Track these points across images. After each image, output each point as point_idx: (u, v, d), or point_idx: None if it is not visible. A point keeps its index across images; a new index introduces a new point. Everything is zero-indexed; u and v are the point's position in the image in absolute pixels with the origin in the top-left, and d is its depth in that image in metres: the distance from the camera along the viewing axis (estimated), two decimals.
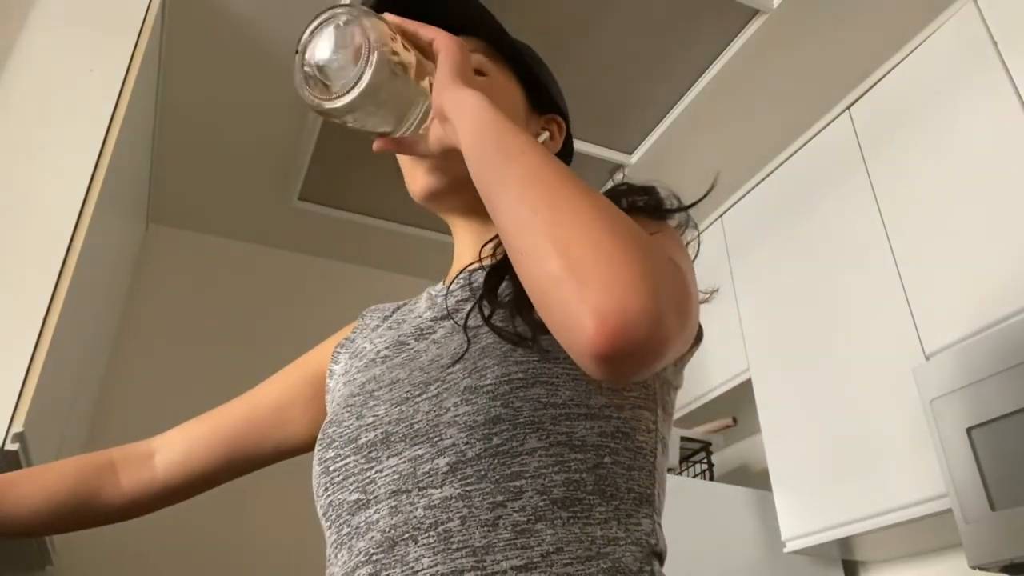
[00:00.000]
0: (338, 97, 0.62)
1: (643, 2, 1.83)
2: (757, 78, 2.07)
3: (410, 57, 0.65)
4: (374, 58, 0.61)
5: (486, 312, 0.65)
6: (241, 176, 2.44)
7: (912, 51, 1.94)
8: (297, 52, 0.65)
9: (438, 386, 0.63)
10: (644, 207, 0.71)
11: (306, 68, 0.64)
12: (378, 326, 0.80)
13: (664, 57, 2.00)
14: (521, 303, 0.64)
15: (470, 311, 0.67)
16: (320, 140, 2.23)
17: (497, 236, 0.74)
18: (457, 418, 0.59)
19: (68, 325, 1.39)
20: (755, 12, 1.86)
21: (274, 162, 2.37)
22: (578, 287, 0.46)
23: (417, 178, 0.74)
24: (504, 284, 0.68)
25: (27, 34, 1.51)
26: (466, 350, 0.64)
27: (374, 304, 0.87)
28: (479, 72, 0.74)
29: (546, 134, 0.80)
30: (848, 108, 2.09)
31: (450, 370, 0.63)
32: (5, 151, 1.40)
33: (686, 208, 0.74)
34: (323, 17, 0.65)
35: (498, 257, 0.73)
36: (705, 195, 0.76)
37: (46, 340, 1.28)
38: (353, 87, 0.61)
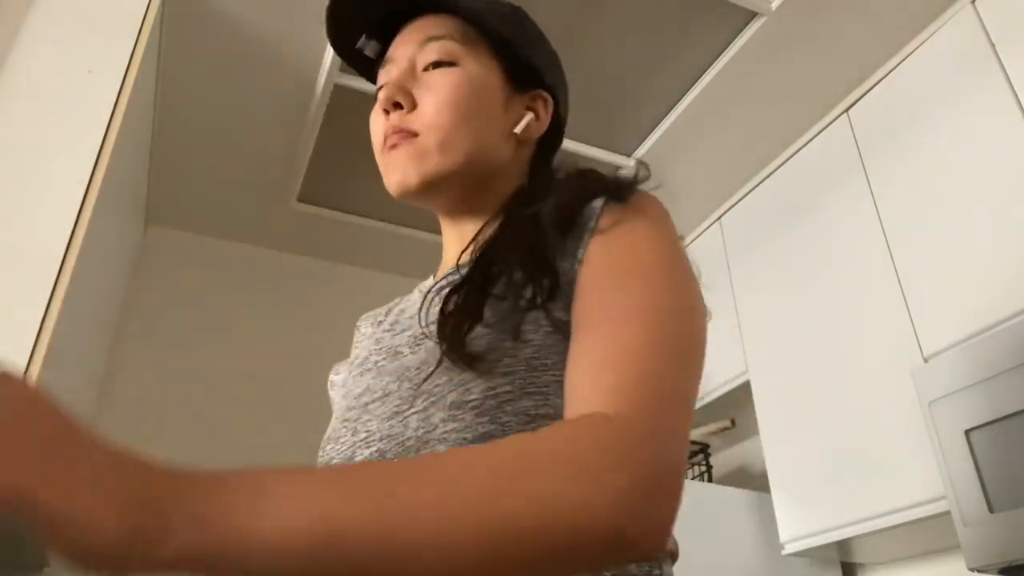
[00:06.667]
0: None
1: (641, 5, 1.83)
2: (755, 81, 2.07)
3: None
4: None
5: (444, 347, 0.60)
6: (240, 178, 2.43)
7: (910, 54, 1.94)
8: None
9: (425, 400, 0.60)
10: (605, 191, 0.65)
11: None
12: (373, 332, 0.77)
13: (662, 60, 2.00)
14: (457, 325, 0.60)
15: (439, 331, 0.62)
16: (319, 142, 2.23)
17: (474, 239, 0.71)
18: (446, 435, 0.57)
19: (66, 327, 1.39)
20: (753, 15, 1.86)
21: (273, 164, 2.37)
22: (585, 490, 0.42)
23: (389, 173, 0.72)
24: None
25: (25, 35, 1.51)
26: (431, 371, 0.60)
27: (369, 306, 0.86)
28: (448, 62, 0.71)
29: (529, 115, 0.74)
30: (847, 110, 2.09)
31: (435, 382, 0.60)
32: (4, 152, 1.40)
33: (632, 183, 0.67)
34: None
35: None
36: (635, 176, 0.68)
37: (44, 341, 1.28)
38: None
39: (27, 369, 1.25)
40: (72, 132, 1.47)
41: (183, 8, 1.84)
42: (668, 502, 0.46)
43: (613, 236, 0.62)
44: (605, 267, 0.60)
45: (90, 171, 1.45)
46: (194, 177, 2.43)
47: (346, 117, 2.11)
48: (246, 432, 2.42)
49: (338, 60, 1.92)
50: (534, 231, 0.65)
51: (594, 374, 0.52)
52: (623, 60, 1.99)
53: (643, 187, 0.67)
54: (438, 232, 0.82)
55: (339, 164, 2.34)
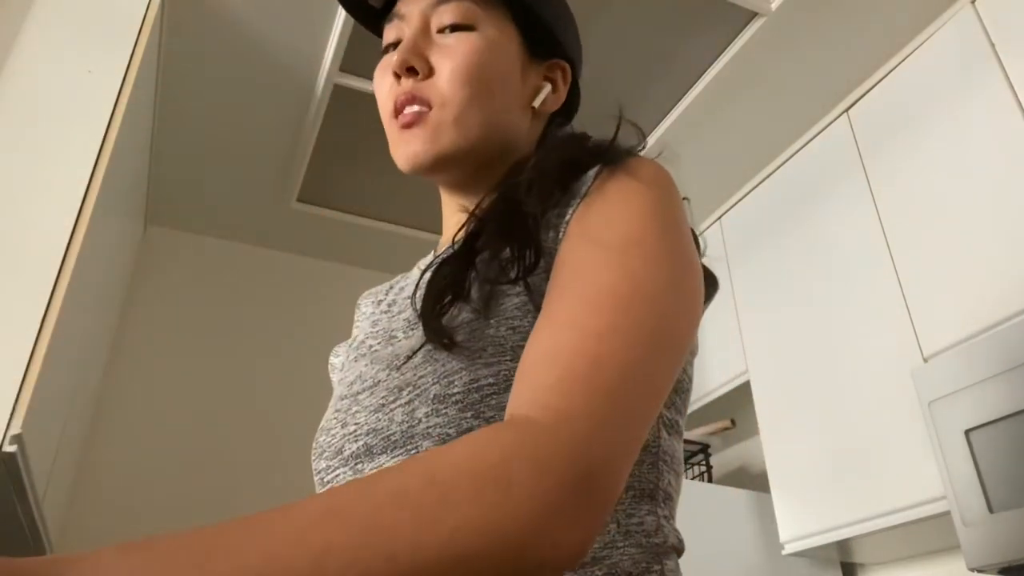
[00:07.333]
0: None
1: (641, 5, 1.83)
2: (755, 81, 2.07)
3: None
4: None
5: (422, 324, 0.58)
6: (239, 178, 2.44)
7: (910, 54, 1.94)
8: None
9: (410, 392, 0.58)
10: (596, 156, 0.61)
11: None
12: (372, 312, 0.74)
13: (662, 60, 2.00)
14: (436, 301, 0.57)
15: (421, 308, 0.60)
16: (318, 142, 2.23)
17: (472, 213, 0.67)
18: (430, 430, 0.55)
19: (66, 327, 1.39)
20: (754, 15, 1.86)
21: (272, 164, 2.37)
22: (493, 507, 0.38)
23: (400, 147, 0.67)
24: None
25: (25, 35, 1.51)
26: (412, 355, 0.58)
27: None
28: (466, 26, 0.67)
29: (547, 87, 0.72)
30: (847, 111, 2.09)
31: (420, 372, 0.58)
32: (3, 153, 1.40)
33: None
34: None
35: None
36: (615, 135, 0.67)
37: (44, 342, 1.28)
38: None
39: (27, 369, 1.25)
40: (72, 132, 1.47)
41: (183, 8, 1.83)
42: (589, 511, 0.41)
43: (593, 204, 0.57)
44: (579, 238, 0.56)
45: (90, 171, 1.45)
46: (194, 177, 2.43)
47: (346, 117, 2.11)
48: (246, 432, 2.43)
49: (338, 60, 1.92)
50: (518, 203, 0.60)
51: (540, 364, 0.48)
52: (623, 60, 1.99)
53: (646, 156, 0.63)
54: (438, 232, 0.81)
55: (339, 164, 2.34)
